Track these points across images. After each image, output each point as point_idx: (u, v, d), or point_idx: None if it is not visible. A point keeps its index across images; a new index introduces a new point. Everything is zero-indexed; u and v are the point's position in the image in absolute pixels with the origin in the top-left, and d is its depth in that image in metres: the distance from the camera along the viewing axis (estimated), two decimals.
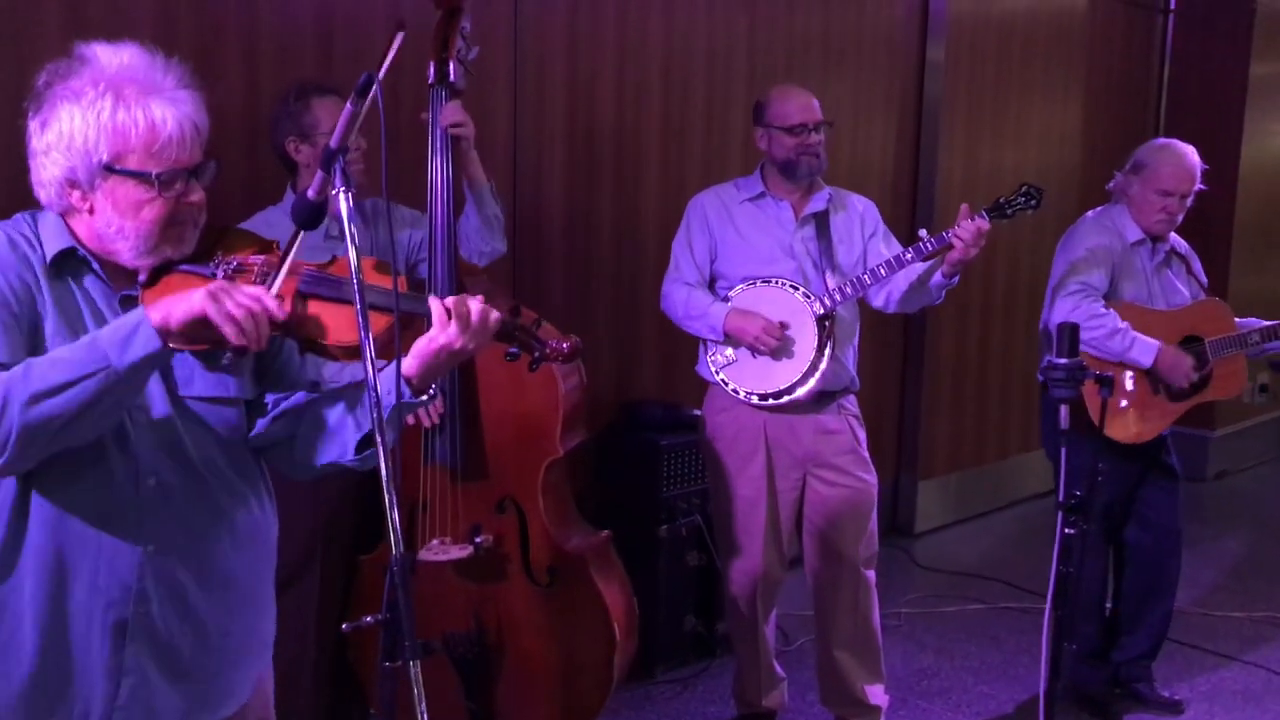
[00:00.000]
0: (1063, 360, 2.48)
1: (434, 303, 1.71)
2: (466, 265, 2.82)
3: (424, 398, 1.77)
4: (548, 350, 1.80)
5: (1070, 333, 2.48)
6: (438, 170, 2.68)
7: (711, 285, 3.31)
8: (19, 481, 1.65)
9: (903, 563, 5.24)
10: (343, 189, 1.58)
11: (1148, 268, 3.63)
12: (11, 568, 1.68)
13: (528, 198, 3.92)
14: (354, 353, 1.67)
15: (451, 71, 2.67)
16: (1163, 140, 3.70)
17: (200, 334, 1.57)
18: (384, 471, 1.50)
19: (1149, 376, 3.53)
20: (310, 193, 1.64)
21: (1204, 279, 3.79)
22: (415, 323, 1.74)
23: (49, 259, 1.68)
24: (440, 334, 1.71)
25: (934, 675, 4.05)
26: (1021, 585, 4.80)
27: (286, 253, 1.72)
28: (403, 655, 1.47)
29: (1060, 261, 3.64)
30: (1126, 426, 3.53)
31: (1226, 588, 4.92)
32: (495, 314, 1.74)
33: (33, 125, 1.66)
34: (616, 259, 4.17)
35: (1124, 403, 3.54)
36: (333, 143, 1.59)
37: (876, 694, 3.43)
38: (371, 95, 1.57)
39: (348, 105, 1.57)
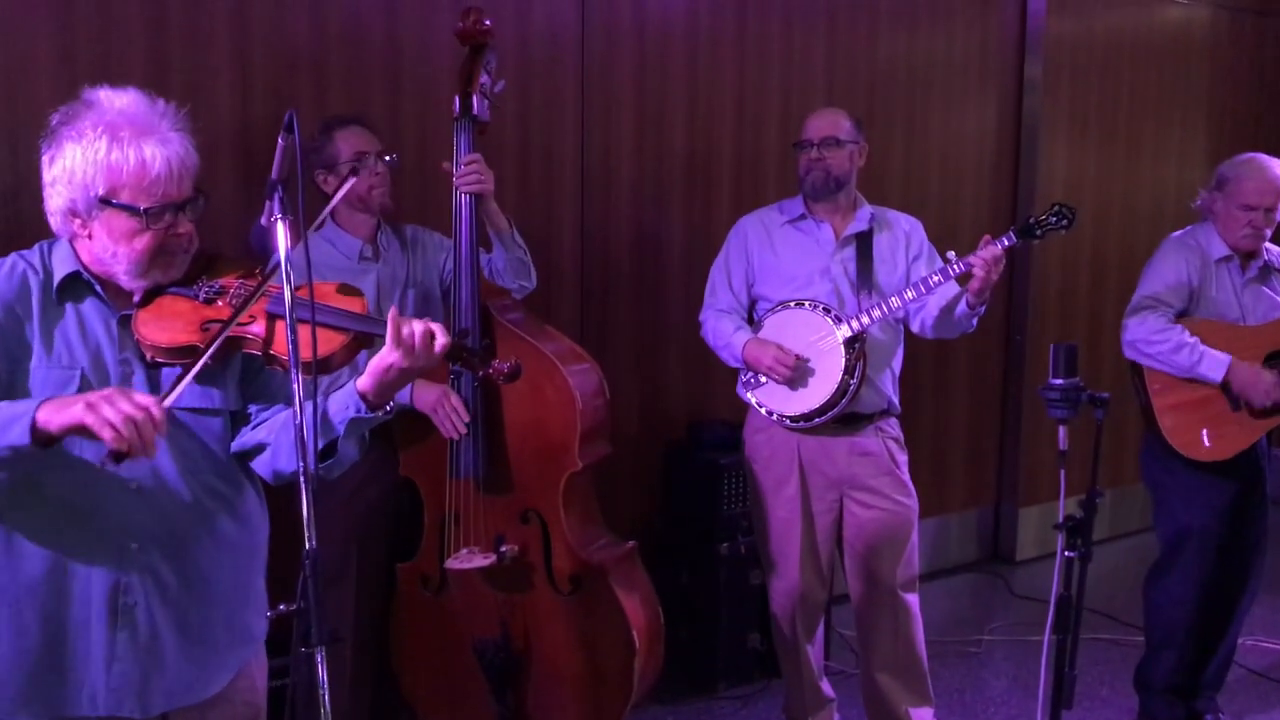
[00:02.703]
0: (1059, 380, 2.45)
1: (389, 323, 1.84)
2: (493, 288, 2.96)
3: (380, 413, 1.91)
4: (490, 370, 1.93)
5: (1066, 353, 2.45)
6: (462, 200, 2.84)
7: (754, 307, 3.37)
8: (12, 476, 1.83)
9: (1000, 590, 5.14)
10: (279, 217, 1.74)
11: (1236, 284, 3.50)
12: (14, 555, 1.87)
13: (595, 219, 4.05)
14: (306, 366, 1.82)
15: (475, 105, 2.82)
16: (1247, 155, 3.56)
17: (89, 434, 1.64)
18: (303, 476, 1.66)
19: (1228, 393, 3.41)
20: (263, 220, 1.81)
21: None
22: (377, 342, 1.89)
23: (57, 282, 1.89)
24: (389, 353, 1.85)
25: (1002, 703, 3.97)
26: (1117, 617, 4.64)
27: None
28: (312, 641, 1.61)
29: (1140, 283, 3.57)
30: (1202, 445, 3.42)
31: None
32: (442, 338, 1.85)
33: (44, 159, 1.86)
34: (687, 281, 4.22)
35: (1203, 429, 3.44)
36: (273, 174, 1.76)
37: (923, 717, 3.41)
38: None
39: (279, 140, 1.73)
